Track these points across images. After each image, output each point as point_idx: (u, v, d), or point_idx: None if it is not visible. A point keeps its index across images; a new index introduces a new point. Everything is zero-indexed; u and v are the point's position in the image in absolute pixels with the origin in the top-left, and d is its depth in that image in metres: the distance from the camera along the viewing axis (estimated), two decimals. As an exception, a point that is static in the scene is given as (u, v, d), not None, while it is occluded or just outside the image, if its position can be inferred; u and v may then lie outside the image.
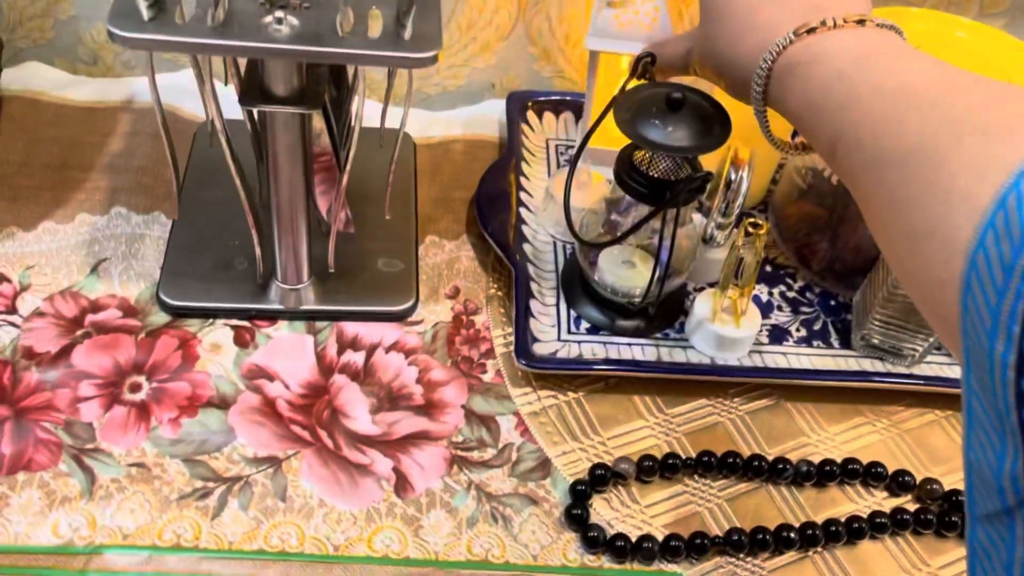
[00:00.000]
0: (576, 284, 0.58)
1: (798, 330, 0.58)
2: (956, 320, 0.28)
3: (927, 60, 0.36)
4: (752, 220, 0.52)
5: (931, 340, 0.55)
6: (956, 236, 0.28)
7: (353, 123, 0.47)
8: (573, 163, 0.53)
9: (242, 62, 0.50)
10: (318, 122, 0.53)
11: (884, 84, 0.35)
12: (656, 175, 0.51)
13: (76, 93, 0.66)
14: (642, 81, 0.51)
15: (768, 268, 0.62)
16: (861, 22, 0.38)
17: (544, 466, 0.50)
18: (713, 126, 0.48)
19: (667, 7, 0.58)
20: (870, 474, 0.51)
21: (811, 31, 0.38)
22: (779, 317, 0.59)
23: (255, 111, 0.51)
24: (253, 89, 0.45)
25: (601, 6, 0.58)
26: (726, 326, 0.54)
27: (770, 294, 0.60)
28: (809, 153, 0.46)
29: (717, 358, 0.55)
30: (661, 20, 0.58)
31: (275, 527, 0.45)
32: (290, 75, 0.45)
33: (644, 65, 0.51)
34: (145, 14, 0.41)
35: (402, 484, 0.48)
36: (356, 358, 0.53)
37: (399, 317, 0.56)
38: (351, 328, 0.55)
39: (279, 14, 0.42)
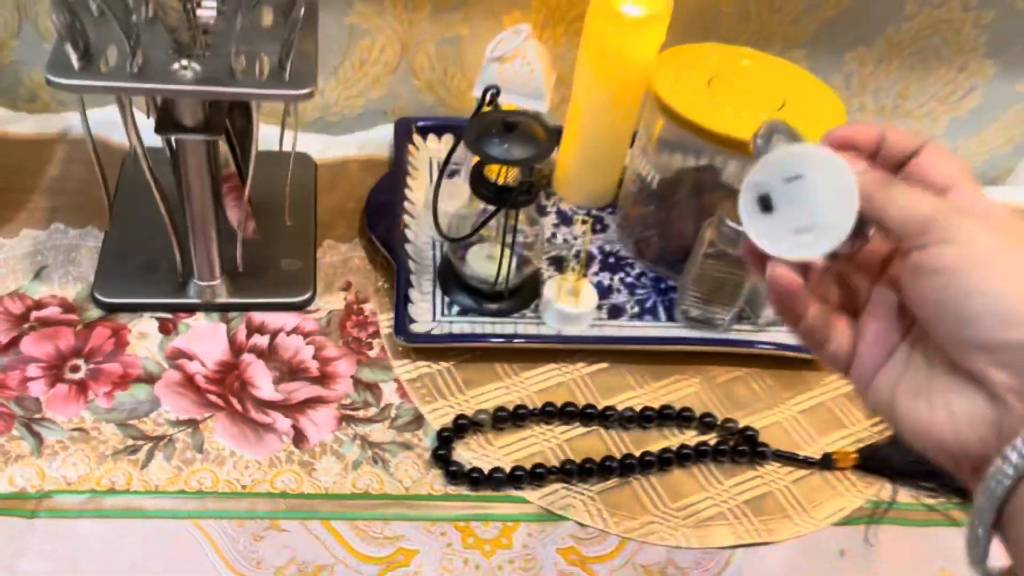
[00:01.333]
0: (450, 275, 0.70)
1: (632, 308, 0.71)
2: None
3: None
4: (581, 218, 0.64)
5: (734, 310, 0.68)
6: None
7: (253, 147, 0.58)
8: (439, 178, 0.65)
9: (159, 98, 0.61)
10: (226, 147, 0.64)
11: None
12: (508, 183, 0.64)
13: (17, 127, 0.76)
14: (489, 108, 0.64)
15: (612, 259, 0.75)
16: None
17: (418, 420, 0.61)
18: (540, 142, 0.60)
19: (543, 70, 0.70)
20: (681, 417, 0.64)
21: None
22: (617, 298, 0.71)
23: (165, 139, 0.62)
24: (166, 121, 0.57)
25: (490, 59, 0.71)
26: (568, 304, 0.67)
27: (611, 279, 0.73)
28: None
29: (563, 331, 0.67)
30: (536, 78, 0.70)
31: (194, 473, 0.56)
32: (196, 109, 0.56)
33: (491, 95, 0.64)
34: (76, 64, 0.52)
35: (300, 438, 0.59)
36: (262, 340, 0.64)
37: (299, 307, 0.67)
38: (258, 316, 0.66)
39: (184, 61, 0.53)
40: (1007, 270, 0.31)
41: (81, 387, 0.59)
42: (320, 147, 0.80)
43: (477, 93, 0.70)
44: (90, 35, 0.53)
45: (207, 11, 0.57)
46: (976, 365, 0.31)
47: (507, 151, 0.60)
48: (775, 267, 0.35)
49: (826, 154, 0.34)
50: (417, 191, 0.77)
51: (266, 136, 0.80)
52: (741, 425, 0.64)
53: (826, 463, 0.63)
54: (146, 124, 0.60)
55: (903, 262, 0.34)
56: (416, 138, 0.81)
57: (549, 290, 0.67)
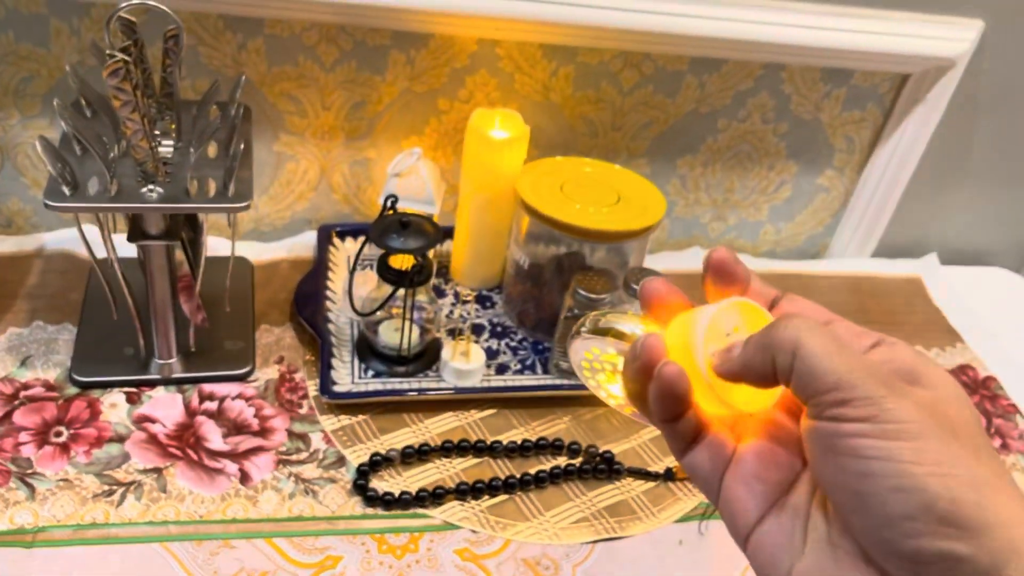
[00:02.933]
0: (365, 347, 0.86)
1: (515, 365, 0.88)
2: None
3: None
4: (465, 291, 0.82)
5: (594, 362, 0.86)
6: None
7: (202, 251, 0.75)
8: (353, 265, 0.83)
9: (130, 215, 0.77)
10: (181, 255, 0.80)
11: None
12: (406, 268, 0.81)
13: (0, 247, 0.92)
14: (391, 212, 0.82)
15: (499, 328, 0.92)
16: None
17: (340, 460, 0.76)
18: (429, 235, 0.78)
19: (432, 181, 0.89)
20: (553, 446, 0.80)
21: None
22: (503, 358, 0.89)
23: (138, 246, 0.78)
24: (136, 231, 0.73)
25: (391, 175, 0.89)
26: (461, 363, 0.83)
27: (499, 344, 0.90)
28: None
29: (458, 384, 0.84)
30: (427, 189, 0.89)
31: (159, 508, 0.70)
32: (159, 222, 0.73)
33: (391, 201, 0.82)
34: (67, 192, 0.68)
35: (245, 478, 0.73)
36: (212, 405, 0.79)
37: (241, 378, 0.82)
38: (208, 387, 0.81)
39: (150, 186, 0.70)
40: (940, 460, 0.27)
41: (64, 448, 0.73)
42: (256, 251, 0.97)
43: (381, 201, 0.89)
44: (75, 169, 0.70)
45: (166, 148, 0.74)
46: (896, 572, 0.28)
47: (404, 243, 0.78)
48: (665, 365, 0.33)
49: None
50: (337, 282, 0.94)
51: (213, 245, 0.97)
52: (602, 450, 0.81)
53: (668, 476, 0.79)
54: (119, 238, 0.76)
55: (804, 420, 0.30)
56: (335, 240, 0.99)
57: (446, 352, 0.84)
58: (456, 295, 0.95)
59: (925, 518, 0.27)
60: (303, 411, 0.80)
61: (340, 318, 0.90)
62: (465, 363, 0.84)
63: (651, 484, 0.79)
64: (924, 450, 0.28)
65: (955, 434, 0.29)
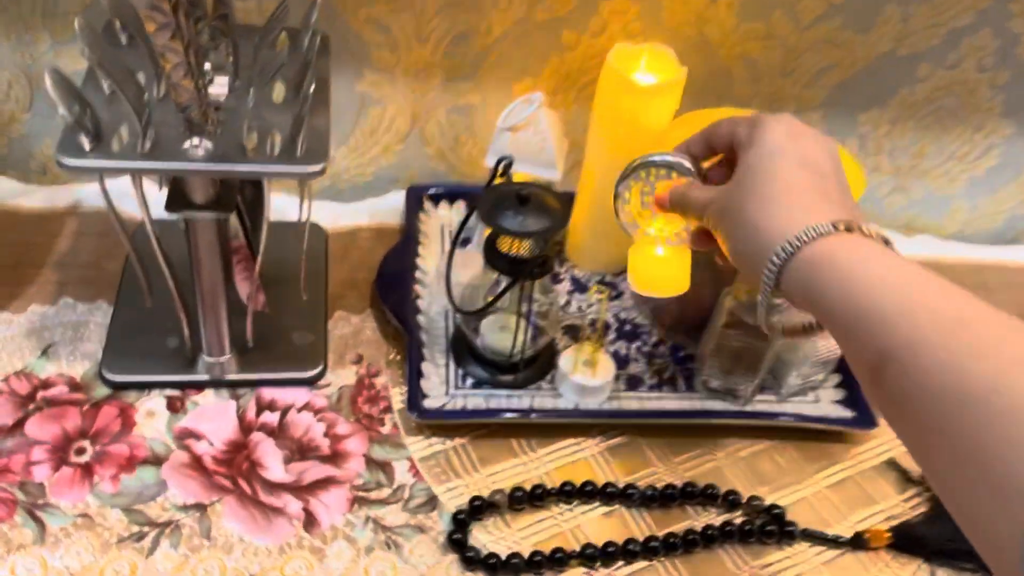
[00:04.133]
0: (463, 347, 0.68)
1: (651, 378, 0.69)
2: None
3: (966, 292, 0.37)
4: (596, 287, 0.63)
5: (756, 381, 0.66)
6: None
7: (262, 220, 0.57)
8: (452, 247, 0.64)
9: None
10: (236, 221, 0.63)
11: (941, 309, 0.35)
12: (521, 254, 0.62)
13: (27, 201, 0.76)
14: (502, 180, 0.63)
15: (627, 327, 0.73)
16: (887, 242, 0.41)
17: (432, 501, 0.59)
18: (554, 213, 0.59)
19: (554, 139, 0.70)
20: (705, 495, 0.62)
21: (850, 229, 0.40)
22: (634, 368, 0.70)
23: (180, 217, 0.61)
24: (177, 198, 0.56)
25: (502, 129, 0.70)
26: (585, 376, 0.65)
27: (628, 349, 0.71)
28: (806, 337, 0.48)
29: (580, 404, 0.66)
30: (547, 148, 0.70)
31: (201, 561, 0.54)
32: (207, 187, 0.55)
33: (505, 166, 0.63)
34: (86, 145, 0.51)
35: (310, 521, 0.57)
36: (272, 418, 0.63)
37: (310, 382, 0.65)
38: (268, 393, 0.64)
39: (195, 139, 0.53)
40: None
41: (87, 470, 0.57)
42: (331, 215, 0.79)
43: (490, 163, 0.70)
44: (101, 114, 0.52)
45: (218, 88, 0.56)
46: None
47: (521, 223, 0.59)
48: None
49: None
50: (428, 260, 0.76)
51: (275, 205, 0.79)
52: (767, 502, 0.62)
53: (858, 542, 0.60)
54: (158, 196, 0.59)
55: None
56: (427, 205, 0.80)
57: (565, 362, 0.66)
58: (575, 281, 0.76)
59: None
60: (385, 430, 0.63)
61: (433, 307, 0.72)
62: (590, 377, 0.65)
63: (835, 553, 0.60)
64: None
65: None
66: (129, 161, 0.51)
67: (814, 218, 0.41)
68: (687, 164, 0.52)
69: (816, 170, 0.44)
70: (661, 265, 0.57)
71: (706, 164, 0.53)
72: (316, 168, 0.53)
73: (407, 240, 0.76)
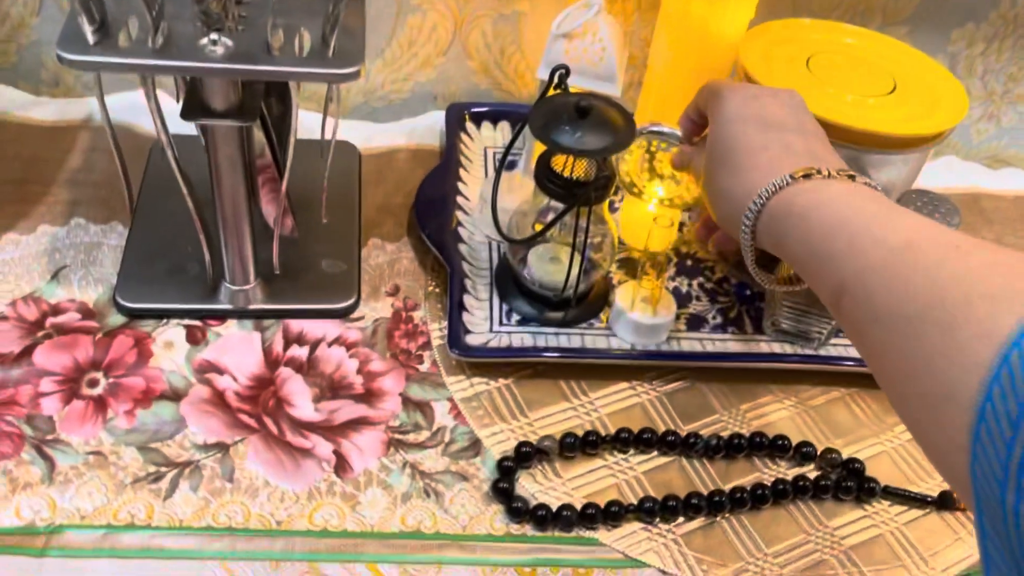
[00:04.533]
0: (508, 280, 0.62)
1: (714, 318, 0.63)
2: (967, 474, 0.30)
3: (920, 217, 0.39)
4: (654, 215, 0.56)
5: (834, 323, 0.60)
6: (970, 397, 0.30)
7: (290, 133, 0.51)
8: (499, 169, 0.58)
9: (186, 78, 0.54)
10: (261, 136, 0.57)
11: (887, 238, 0.37)
12: (577, 177, 0.56)
13: (38, 112, 0.70)
14: (558, 91, 0.56)
15: (688, 262, 0.66)
16: (852, 177, 0.42)
17: (474, 446, 0.54)
18: (618, 130, 0.52)
19: (615, 48, 0.62)
20: (775, 446, 0.56)
21: (807, 176, 0.42)
22: (697, 306, 0.63)
23: (197, 125, 0.55)
24: (194, 104, 0.50)
25: (556, 36, 0.63)
26: (644, 314, 0.59)
27: (689, 285, 0.65)
28: (798, 287, 0.50)
29: (637, 344, 0.60)
30: (607, 58, 0.62)
31: (223, 506, 0.49)
32: (227, 91, 0.49)
33: (560, 76, 0.56)
34: (90, 38, 0.45)
35: (342, 465, 0.52)
36: (301, 352, 0.57)
37: (341, 314, 0.60)
38: (296, 325, 0.59)
39: (214, 36, 0.46)
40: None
41: (100, 404, 0.53)
42: (364, 135, 0.73)
43: (542, 74, 0.63)
44: (108, 6, 0.46)
45: (241, -21, 0.50)
46: None
47: (580, 140, 0.52)
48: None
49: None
50: (471, 185, 0.69)
51: (306, 123, 0.73)
52: (844, 456, 0.56)
53: (945, 502, 0.54)
54: (175, 109, 0.53)
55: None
56: (469, 126, 0.74)
57: (622, 297, 0.60)
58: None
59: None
60: (424, 368, 0.58)
61: (475, 235, 0.65)
62: (649, 315, 0.59)
63: (919, 513, 0.54)
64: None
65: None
66: (138, 59, 0.45)
67: (776, 174, 0.43)
68: (678, 134, 0.56)
69: (776, 127, 0.46)
70: (649, 221, 0.58)
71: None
72: (350, 71, 0.47)
73: (447, 163, 0.70)
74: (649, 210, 0.60)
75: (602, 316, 0.61)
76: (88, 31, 0.45)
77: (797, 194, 0.42)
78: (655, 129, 0.58)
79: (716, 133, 0.48)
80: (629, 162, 0.59)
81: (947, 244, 0.36)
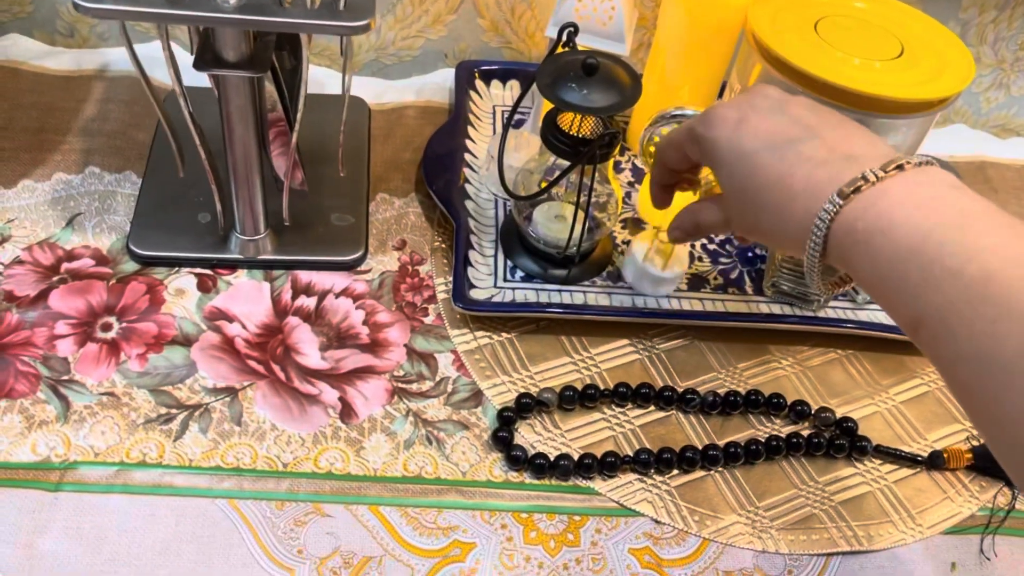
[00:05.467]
0: (513, 237, 0.63)
1: (716, 279, 0.64)
2: None
3: (993, 229, 0.36)
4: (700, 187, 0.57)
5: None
6: None
7: (301, 87, 0.52)
8: (506, 127, 0.58)
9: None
10: (273, 90, 0.58)
11: (962, 269, 0.35)
12: (583, 135, 0.56)
13: (53, 63, 0.71)
14: (566, 49, 0.56)
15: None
16: (900, 167, 0.39)
17: (476, 397, 0.55)
18: (625, 88, 0.53)
19: (625, 8, 0.62)
20: (771, 404, 0.57)
21: (856, 191, 0.38)
22: (699, 267, 0.64)
23: (210, 76, 0.56)
24: (206, 55, 0.50)
25: None
26: (653, 265, 0.60)
27: (692, 246, 0.66)
28: (851, 286, 0.46)
29: (639, 290, 0.61)
30: (616, 17, 0.62)
31: (231, 448, 0.51)
32: (239, 42, 0.50)
33: (568, 34, 0.57)
34: (106, -15, 0.46)
35: (347, 412, 0.53)
36: (308, 302, 0.59)
37: (349, 266, 0.61)
38: (305, 276, 0.60)
39: (227, -14, 0.47)
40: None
41: (113, 347, 0.54)
42: (374, 92, 0.74)
43: (551, 33, 0.63)
44: (123, -45, 0.47)
45: (253, -70, 0.50)
46: None
47: (586, 97, 0.52)
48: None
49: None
50: (479, 142, 0.70)
51: (316, 78, 0.74)
52: (838, 415, 0.57)
53: (935, 462, 0.55)
54: (188, 62, 0.54)
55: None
56: (479, 84, 0.74)
57: (638, 244, 0.60)
58: (637, 171, 0.70)
59: None
60: (429, 320, 0.59)
61: (482, 192, 0.66)
62: (660, 268, 0.60)
63: (909, 472, 0.56)
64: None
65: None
66: (151, 7, 0.46)
67: (819, 196, 0.40)
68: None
69: (783, 143, 0.42)
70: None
71: None
72: (360, 23, 0.48)
73: (456, 120, 0.70)
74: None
75: (614, 258, 0.62)
76: (103, -21, 0.46)
77: (856, 218, 0.38)
78: (681, 112, 0.55)
79: (728, 179, 0.44)
80: (656, 142, 0.57)
81: None
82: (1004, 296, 0.33)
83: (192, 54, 0.55)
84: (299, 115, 0.53)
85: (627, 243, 0.64)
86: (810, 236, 0.40)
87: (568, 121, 0.56)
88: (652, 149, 0.57)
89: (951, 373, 0.36)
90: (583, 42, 0.62)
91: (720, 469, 0.54)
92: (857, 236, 0.38)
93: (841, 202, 0.39)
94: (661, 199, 0.53)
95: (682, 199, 0.55)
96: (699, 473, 0.54)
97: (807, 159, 0.41)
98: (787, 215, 0.41)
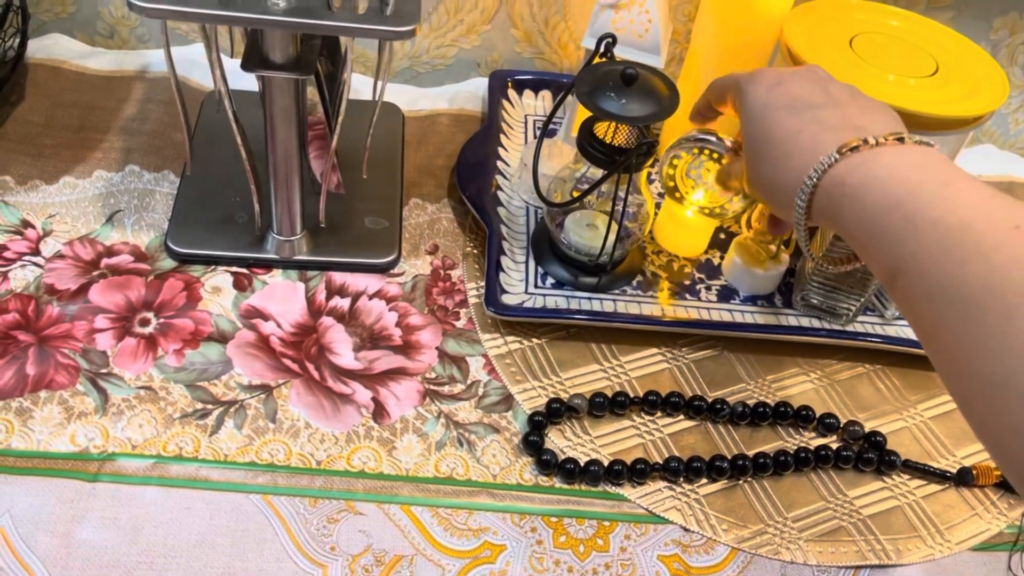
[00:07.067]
0: (544, 244, 0.64)
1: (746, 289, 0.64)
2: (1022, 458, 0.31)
3: (980, 191, 0.37)
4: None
5: (863, 300, 0.61)
6: None
7: (343, 91, 0.53)
8: (541, 135, 0.59)
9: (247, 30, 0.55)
10: (315, 94, 0.58)
11: (943, 218, 0.36)
12: (619, 144, 0.57)
13: (95, 63, 0.72)
14: (603, 59, 0.57)
15: (722, 236, 0.68)
16: (900, 139, 0.41)
17: (507, 400, 0.56)
18: (663, 99, 0.54)
19: (661, 20, 0.63)
20: (799, 416, 0.57)
21: (854, 149, 0.40)
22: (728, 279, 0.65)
23: (256, 76, 0.57)
24: (254, 56, 0.51)
25: (603, 6, 0.64)
26: (761, 268, 0.63)
27: (721, 258, 0.66)
28: (853, 265, 0.49)
29: (751, 292, 0.63)
30: (653, 30, 0.63)
31: (265, 444, 0.52)
32: (286, 45, 0.51)
33: (606, 44, 0.57)
34: (160, -13, 0.47)
35: (380, 412, 0.54)
36: (342, 303, 0.59)
37: (382, 269, 0.62)
38: (339, 277, 0.61)
39: (277, -10, 0.48)
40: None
41: (150, 342, 0.55)
42: (408, 99, 0.75)
43: (588, 43, 0.64)
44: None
45: (302, -64, 0.51)
46: None
47: (625, 107, 0.53)
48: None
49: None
50: (511, 150, 0.71)
51: (352, 84, 0.75)
52: (867, 430, 0.57)
53: (963, 478, 0.55)
54: (231, 64, 0.55)
55: None
56: (511, 93, 0.75)
57: (737, 257, 0.64)
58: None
59: None
60: (460, 324, 0.60)
61: (514, 200, 0.67)
62: (761, 268, 0.63)
63: (937, 488, 0.56)
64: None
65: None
66: (205, 8, 0.47)
67: (820, 153, 0.42)
68: (727, 144, 0.56)
69: (806, 106, 0.45)
70: (687, 227, 0.64)
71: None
72: (407, 28, 0.48)
73: (489, 128, 0.71)
74: (687, 216, 0.62)
75: (644, 267, 0.65)
76: (158, -20, 0.47)
77: (848, 172, 0.40)
78: (703, 137, 0.56)
79: (748, 128, 0.47)
80: (677, 167, 0.59)
81: (1006, 225, 0.35)
82: (975, 241, 0.35)
83: (231, 56, 0.57)
84: (340, 118, 0.54)
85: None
86: (800, 187, 0.42)
87: (603, 129, 0.57)
88: (670, 171, 0.59)
89: (920, 315, 0.37)
90: (619, 53, 0.63)
91: (749, 479, 0.54)
92: (845, 189, 0.40)
93: (837, 156, 0.41)
94: (698, 119, 0.56)
95: (694, 241, 0.60)
96: (728, 482, 0.54)
97: (820, 122, 0.43)
98: (786, 169, 0.43)
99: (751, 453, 0.55)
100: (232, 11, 0.47)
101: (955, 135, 0.59)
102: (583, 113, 0.57)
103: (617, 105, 0.53)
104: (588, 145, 0.57)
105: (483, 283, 0.61)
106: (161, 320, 0.56)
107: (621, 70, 0.53)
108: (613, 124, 0.57)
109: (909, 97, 0.56)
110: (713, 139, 0.57)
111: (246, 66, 0.51)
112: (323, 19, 0.48)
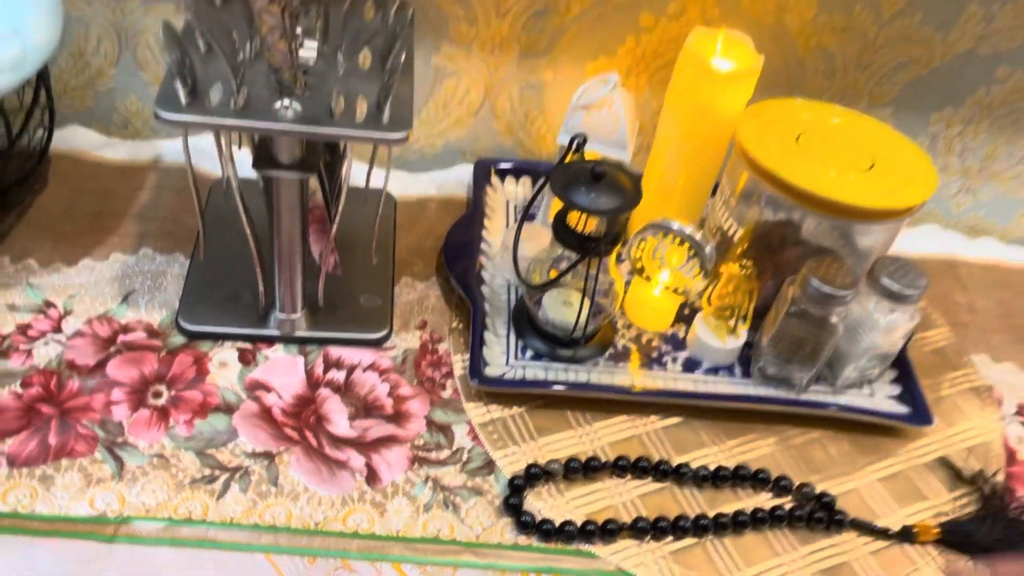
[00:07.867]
0: (524, 319, 0.70)
1: (708, 362, 0.70)
2: None
3: None
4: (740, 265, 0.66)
5: (813, 372, 0.67)
6: None
7: (342, 184, 0.59)
8: (520, 221, 0.65)
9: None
10: (314, 182, 0.65)
11: None
12: (590, 232, 0.64)
13: (111, 153, 0.79)
14: (575, 157, 0.64)
15: (686, 311, 0.74)
16: None
17: (489, 465, 0.61)
18: (627, 193, 0.60)
19: (628, 120, 0.70)
20: (756, 479, 0.62)
21: None
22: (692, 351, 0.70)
23: (264, 176, 0.63)
24: (264, 157, 0.58)
25: (576, 106, 0.71)
26: (718, 339, 0.69)
27: (686, 332, 0.72)
28: None
29: (711, 363, 0.69)
30: (620, 128, 0.70)
31: (268, 507, 0.56)
32: (293, 148, 0.57)
33: (578, 144, 0.64)
34: (183, 100, 0.53)
35: (372, 476, 0.59)
36: (339, 376, 0.65)
37: (376, 343, 0.67)
38: (335, 351, 0.66)
39: (286, 101, 0.54)
40: None
41: (163, 413, 0.60)
42: (400, 184, 0.81)
43: (563, 140, 0.71)
44: (197, 71, 0.54)
45: (308, 51, 0.58)
46: None
47: (594, 200, 0.60)
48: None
49: None
50: (494, 232, 0.77)
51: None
52: (818, 490, 0.62)
53: (906, 535, 0.61)
54: (238, 153, 0.61)
55: None
56: (494, 179, 0.82)
57: (702, 330, 0.69)
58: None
59: None
60: (446, 394, 0.65)
61: (496, 279, 0.73)
62: (721, 342, 0.69)
63: (882, 544, 0.61)
64: None
65: None
66: (223, 118, 0.53)
67: None
68: (697, 239, 0.64)
69: None
70: (654, 305, 0.70)
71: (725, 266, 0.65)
72: (401, 135, 0.55)
73: (473, 212, 0.77)
74: (655, 294, 0.69)
75: (615, 341, 0.71)
76: (182, 93, 0.53)
77: None
78: (666, 224, 0.64)
79: None
80: (644, 249, 0.67)
81: None
82: None
83: (239, 147, 0.63)
84: (340, 208, 0.60)
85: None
86: None
87: (576, 219, 0.64)
88: (638, 254, 0.67)
89: None
90: (590, 149, 0.70)
91: (711, 537, 0.59)
92: None
93: None
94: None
95: (661, 317, 0.66)
96: (691, 540, 0.59)
97: None
98: None
99: (712, 513, 0.60)
100: (247, 121, 0.53)
101: (892, 223, 0.65)
102: (558, 203, 0.64)
103: (587, 199, 0.60)
104: (562, 232, 0.63)
105: (468, 356, 0.66)
106: (172, 393, 0.61)
107: (591, 168, 0.60)
108: (584, 214, 0.63)
109: (848, 191, 0.63)
110: (675, 226, 0.64)
111: (257, 166, 0.58)
112: (327, 126, 0.54)
